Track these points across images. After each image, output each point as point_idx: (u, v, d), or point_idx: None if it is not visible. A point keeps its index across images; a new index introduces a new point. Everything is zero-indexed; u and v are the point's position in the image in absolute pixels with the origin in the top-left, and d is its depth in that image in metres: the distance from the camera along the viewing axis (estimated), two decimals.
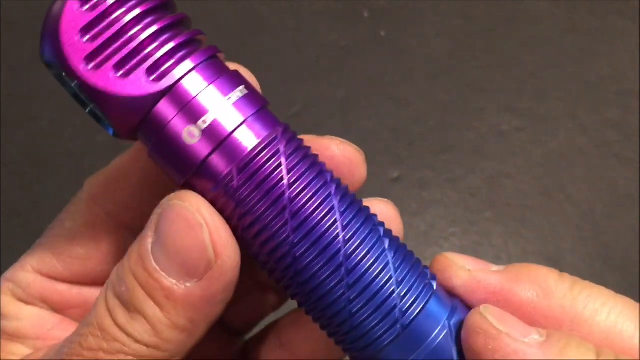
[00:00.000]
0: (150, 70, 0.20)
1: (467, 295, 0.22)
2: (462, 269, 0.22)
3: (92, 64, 0.20)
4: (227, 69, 0.21)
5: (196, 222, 0.19)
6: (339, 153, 0.24)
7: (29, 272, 0.23)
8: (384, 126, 0.50)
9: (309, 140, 0.23)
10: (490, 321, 0.20)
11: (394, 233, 0.22)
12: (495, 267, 0.22)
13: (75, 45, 0.20)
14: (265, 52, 0.51)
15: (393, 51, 0.53)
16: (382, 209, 0.23)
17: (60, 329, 0.24)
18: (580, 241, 0.47)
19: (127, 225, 0.24)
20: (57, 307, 0.24)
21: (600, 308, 0.21)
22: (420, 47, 0.54)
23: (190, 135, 0.19)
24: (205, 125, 0.19)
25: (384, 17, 0.55)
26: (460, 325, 0.20)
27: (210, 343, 0.26)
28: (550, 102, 0.52)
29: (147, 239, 0.20)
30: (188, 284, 0.19)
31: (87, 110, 0.21)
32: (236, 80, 0.21)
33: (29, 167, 0.50)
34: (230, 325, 0.28)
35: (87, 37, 0.20)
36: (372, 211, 0.22)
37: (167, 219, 0.19)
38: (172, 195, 0.20)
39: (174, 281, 0.19)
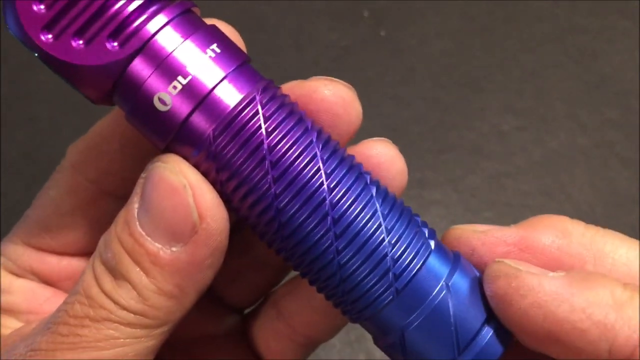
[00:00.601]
0: (114, 35, 0.18)
1: (488, 253, 0.21)
2: (478, 231, 0.22)
3: (51, 34, 0.18)
4: (203, 23, 0.20)
5: (179, 185, 0.19)
6: (329, 93, 0.22)
7: (18, 244, 0.23)
8: (384, 126, 0.50)
9: (295, 85, 0.22)
10: (508, 264, 0.20)
11: (396, 172, 0.22)
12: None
13: (32, 14, 0.18)
14: (265, 52, 0.51)
15: (393, 51, 0.53)
16: (381, 150, 0.23)
17: (52, 302, 0.23)
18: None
19: (111, 193, 0.23)
20: (48, 280, 0.24)
21: (620, 243, 0.21)
22: (420, 47, 0.54)
23: (162, 102, 0.18)
24: (183, 83, 0.18)
25: (384, 17, 0.55)
26: (461, 284, 0.20)
27: (207, 318, 0.26)
28: (551, 102, 0.51)
29: (133, 205, 0.19)
30: (174, 249, 0.19)
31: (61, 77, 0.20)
32: (214, 34, 0.19)
33: (28, 167, 0.50)
34: (229, 302, 0.28)
35: (43, 5, 0.18)
36: (371, 152, 0.21)
37: (151, 183, 0.19)
38: (155, 158, 0.19)
39: (159, 246, 0.19)
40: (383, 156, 0.23)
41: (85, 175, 0.24)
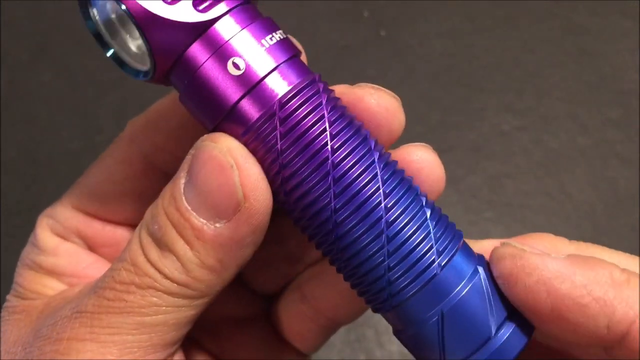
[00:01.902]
0: (197, 2, 0.20)
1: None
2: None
3: None
4: (260, 15, 0.21)
5: (226, 163, 0.19)
6: (375, 103, 0.23)
7: (66, 207, 0.24)
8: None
9: (340, 91, 0.23)
10: (514, 245, 0.21)
11: (436, 178, 0.23)
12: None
13: None
14: None
15: (393, 51, 0.53)
16: (422, 156, 0.24)
17: (94, 267, 0.24)
18: (581, 241, 0.47)
19: (161, 169, 0.24)
20: (91, 244, 0.25)
21: (601, 252, 0.22)
22: (420, 47, 0.54)
23: (235, 66, 0.20)
24: (267, 44, 0.20)
25: (384, 17, 0.55)
26: (482, 282, 0.20)
27: (233, 300, 0.27)
28: (551, 101, 0.51)
29: (180, 180, 0.20)
30: (217, 225, 0.19)
31: (109, 54, 0.21)
32: (270, 26, 0.21)
33: (28, 167, 0.50)
34: (255, 288, 0.28)
35: None
36: (412, 158, 0.23)
37: (199, 160, 0.20)
38: (204, 136, 0.20)
39: (204, 221, 0.19)
40: (424, 162, 0.24)
41: (140, 149, 0.25)
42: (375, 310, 0.21)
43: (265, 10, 0.23)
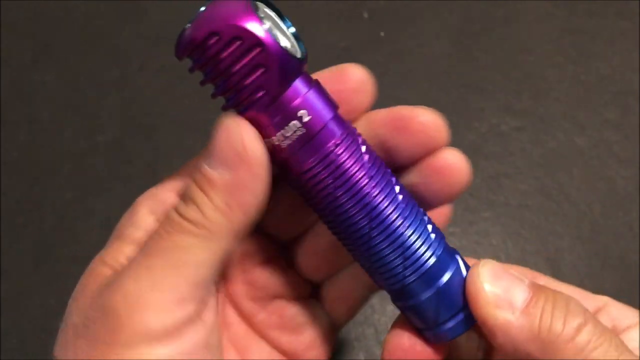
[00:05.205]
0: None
1: None
2: None
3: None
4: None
5: (233, 126, 0.24)
6: (448, 162, 0.29)
7: (169, 191, 0.27)
8: None
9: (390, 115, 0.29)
10: (480, 283, 0.25)
11: (463, 178, 0.29)
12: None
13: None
14: None
15: (393, 51, 0.54)
16: (452, 158, 0.29)
17: None
18: (579, 241, 0.47)
19: None
20: None
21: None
22: (420, 48, 0.54)
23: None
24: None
25: (383, 17, 0.55)
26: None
27: (286, 282, 0.31)
28: (550, 102, 0.52)
29: (203, 157, 0.25)
30: (225, 174, 0.24)
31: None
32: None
33: (29, 167, 0.50)
34: (307, 277, 0.32)
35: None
36: (442, 162, 0.29)
37: (215, 129, 0.25)
38: (222, 115, 0.25)
39: (215, 172, 0.24)
40: (453, 165, 0.29)
41: None
42: (380, 287, 0.28)
43: None
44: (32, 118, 0.52)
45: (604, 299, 0.29)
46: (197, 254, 0.24)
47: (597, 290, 0.29)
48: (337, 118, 0.25)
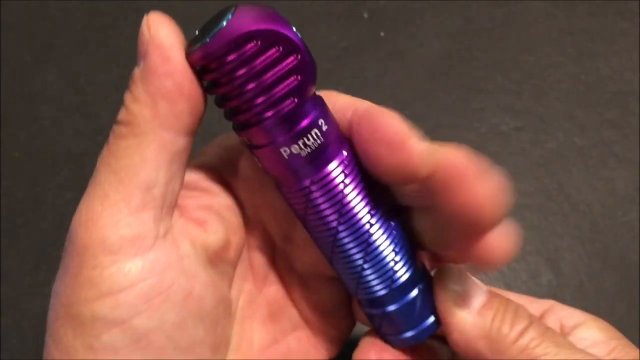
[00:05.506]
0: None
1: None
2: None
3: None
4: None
5: (145, 19, 0.24)
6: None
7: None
8: None
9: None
10: (446, 281, 0.27)
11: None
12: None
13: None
14: None
15: (393, 51, 0.54)
16: (456, 157, 0.27)
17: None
18: (578, 241, 0.47)
19: None
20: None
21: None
22: (420, 48, 0.54)
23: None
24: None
25: (383, 17, 0.55)
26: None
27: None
28: (549, 102, 0.52)
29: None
30: (141, 65, 0.24)
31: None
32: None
33: (29, 167, 0.50)
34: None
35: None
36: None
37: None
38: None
39: (136, 68, 0.24)
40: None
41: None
42: (354, 295, 0.29)
43: None
44: (32, 118, 0.52)
45: (549, 302, 0.32)
46: (132, 155, 0.24)
47: (597, 290, 0.29)
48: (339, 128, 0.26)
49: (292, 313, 0.31)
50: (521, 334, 0.26)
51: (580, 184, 0.49)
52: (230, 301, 0.28)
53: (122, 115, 0.24)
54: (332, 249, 0.27)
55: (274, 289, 0.31)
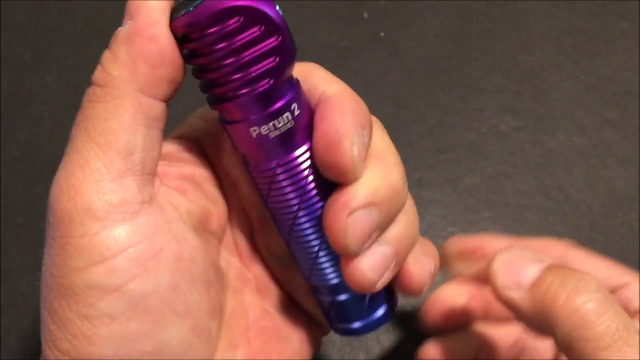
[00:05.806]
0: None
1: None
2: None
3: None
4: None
5: None
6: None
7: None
8: (384, 126, 0.50)
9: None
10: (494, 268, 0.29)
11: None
12: None
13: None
14: None
15: (393, 51, 0.54)
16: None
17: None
18: (579, 241, 0.47)
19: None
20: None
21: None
22: (420, 48, 0.54)
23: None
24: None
25: (383, 17, 0.55)
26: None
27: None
28: (549, 102, 0.52)
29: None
30: (127, 25, 0.23)
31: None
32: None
33: (29, 167, 0.50)
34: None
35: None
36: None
37: None
38: None
39: (121, 28, 0.23)
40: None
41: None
42: (307, 280, 0.29)
43: None
44: (32, 118, 0.52)
45: (628, 278, 0.32)
46: (109, 119, 0.23)
47: None
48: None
49: (279, 291, 0.30)
50: (579, 305, 0.26)
51: (580, 184, 0.49)
52: (221, 269, 0.27)
53: (98, 75, 0.23)
54: (289, 232, 0.27)
55: (259, 268, 0.30)
